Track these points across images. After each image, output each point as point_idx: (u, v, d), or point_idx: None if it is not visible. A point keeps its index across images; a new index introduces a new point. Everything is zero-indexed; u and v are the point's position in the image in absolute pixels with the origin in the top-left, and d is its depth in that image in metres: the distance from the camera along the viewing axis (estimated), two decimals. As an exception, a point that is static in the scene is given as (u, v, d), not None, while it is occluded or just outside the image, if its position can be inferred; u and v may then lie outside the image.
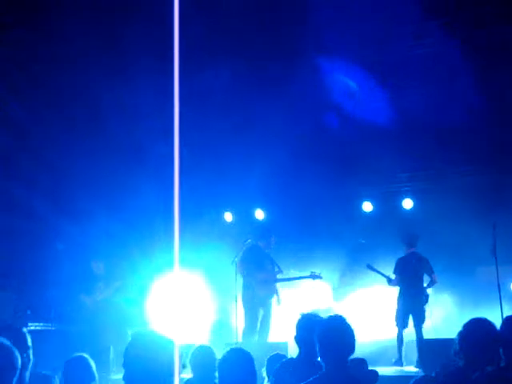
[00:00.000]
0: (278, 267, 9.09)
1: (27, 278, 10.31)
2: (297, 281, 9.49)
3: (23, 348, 3.58)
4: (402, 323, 8.66)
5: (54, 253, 10.86)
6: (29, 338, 3.76)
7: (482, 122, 9.21)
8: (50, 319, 9.72)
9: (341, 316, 3.85)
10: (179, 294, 9.90)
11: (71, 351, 4.84)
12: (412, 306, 8.64)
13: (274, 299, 9.02)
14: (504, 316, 6.83)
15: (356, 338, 3.76)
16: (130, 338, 3.12)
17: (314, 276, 8.99)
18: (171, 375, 3.00)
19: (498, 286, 8.14)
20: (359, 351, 4.04)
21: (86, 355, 4.50)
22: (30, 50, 9.33)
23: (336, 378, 3.56)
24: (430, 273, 8.80)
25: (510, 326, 3.57)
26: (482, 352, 3.35)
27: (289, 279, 9.21)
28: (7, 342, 3.04)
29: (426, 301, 8.70)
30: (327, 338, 3.70)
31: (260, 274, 8.88)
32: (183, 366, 3.89)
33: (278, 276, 9.06)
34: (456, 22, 8.75)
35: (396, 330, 8.72)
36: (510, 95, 8.91)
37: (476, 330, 3.42)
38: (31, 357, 3.71)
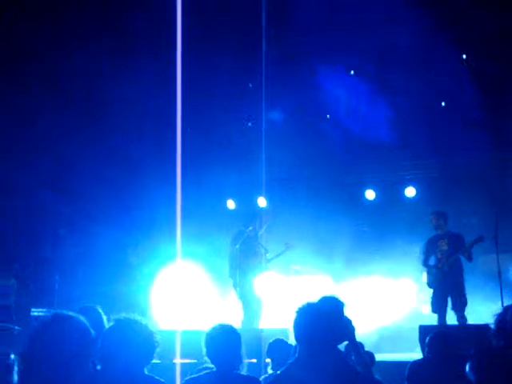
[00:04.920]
0: (265, 248, 9.16)
1: (29, 264, 10.31)
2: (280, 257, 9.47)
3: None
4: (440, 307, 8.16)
5: (56, 238, 10.88)
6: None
7: (484, 112, 9.23)
8: (54, 304, 9.71)
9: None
10: (182, 284, 9.96)
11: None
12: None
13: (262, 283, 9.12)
14: (504, 304, 6.91)
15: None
16: (111, 323, 3.11)
17: (287, 248, 9.13)
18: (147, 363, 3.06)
19: (499, 273, 8.15)
20: (364, 339, 4.06)
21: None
22: (30, 37, 9.28)
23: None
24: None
25: None
26: None
27: (272, 259, 9.27)
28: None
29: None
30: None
31: (254, 259, 8.96)
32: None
33: (268, 256, 9.17)
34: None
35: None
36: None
37: None
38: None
